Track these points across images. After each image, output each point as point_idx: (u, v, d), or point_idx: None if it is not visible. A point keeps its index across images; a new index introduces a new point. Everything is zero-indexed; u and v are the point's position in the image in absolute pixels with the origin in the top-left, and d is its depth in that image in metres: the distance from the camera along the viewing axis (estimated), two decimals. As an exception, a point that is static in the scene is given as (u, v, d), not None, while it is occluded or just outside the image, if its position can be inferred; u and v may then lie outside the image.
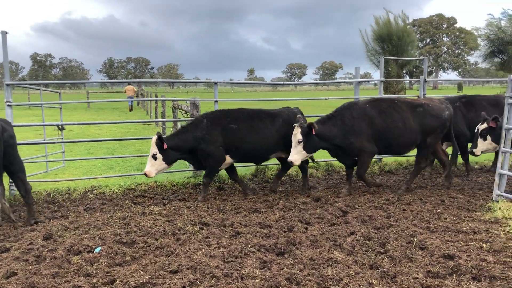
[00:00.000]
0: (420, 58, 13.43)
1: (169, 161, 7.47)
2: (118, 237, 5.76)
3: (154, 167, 7.36)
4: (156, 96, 25.22)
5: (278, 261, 4.97)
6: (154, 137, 7.29)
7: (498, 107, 9.03)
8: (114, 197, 8.00)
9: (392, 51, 17.49)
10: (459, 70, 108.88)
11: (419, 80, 10.54)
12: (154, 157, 7.31)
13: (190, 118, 9.08)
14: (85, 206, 7.41)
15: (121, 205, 7.44)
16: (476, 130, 7.82)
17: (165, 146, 7.28)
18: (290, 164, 7.53)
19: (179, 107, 11.67)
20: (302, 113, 8.17)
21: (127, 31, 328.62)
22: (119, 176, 9.28)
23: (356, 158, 7.79)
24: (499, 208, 6.60)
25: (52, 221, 6.62)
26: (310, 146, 7.35)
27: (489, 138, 7.65)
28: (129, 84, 36.33)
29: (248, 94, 68.24)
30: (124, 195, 8.14)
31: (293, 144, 7.30)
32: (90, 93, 47.38)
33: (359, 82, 10.08)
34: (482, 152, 7.82)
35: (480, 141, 7.71)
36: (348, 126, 7.50)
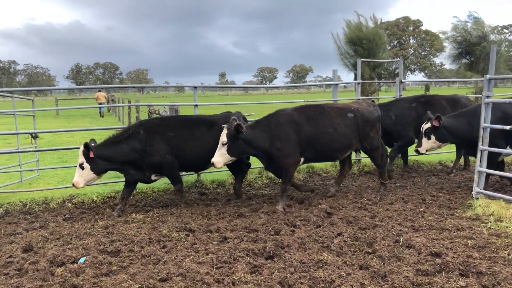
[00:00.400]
0: (396, 60, 13.68)
1: (97, 171, 7.04)
2: (102, 246, 5.61)
3: (82, 177, 6.93)
4: (129, 102, 24.82)
5: (268, 265, 4.94)
6: (81, 146, 6.98)
7: (457, 106, 9.26)
8: (94, 205, 7.81)
9: (364, 53, 17.77)
10: (426, 71, 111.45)
11: (395, 82, 10.72)
12: (81, 166, 6.92)
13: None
14: (64, 215, 7.20)
15: (102, 214, 7.26)
16: (421, 129, 8.03)
17: (92, 155, 6.92)
18: (212, 165, 7.18)
19: (156, 112, 11.52)
20: (244, 118, 8.07)
21: (93, 36, 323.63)
22: (96, 184, 9.06)
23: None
24: (479, 205, 6.75)
25: (30, 232, 6.40)
26: (234, 149, 7.01)
27: (433, 137, 7.87)
28: (99, 91, 35.71)
29: (220, 98, 68.08)
30: (104, 203, 7.96)
31: (218, 145, 7.01)
32: (59, 99, 46.27)
33: (337, 84, 10.18)
34: (426, 150, 8.02)
35: (424, 140, 7.93)
36: (275, 132, 7.16)
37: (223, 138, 6.94)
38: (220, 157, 6.98)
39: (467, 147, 8.12)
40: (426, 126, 7.90)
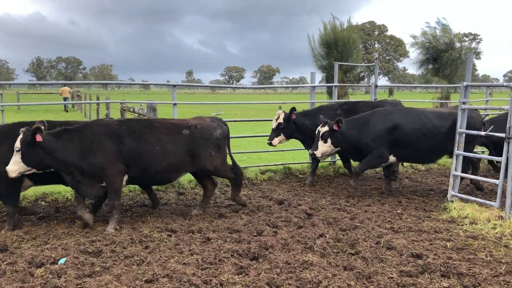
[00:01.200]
0: (371, 64, 13.94)
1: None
2: (83, 246, 5.47)
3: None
4: (98, 98, 24.25)
5: (254, 266, 4.95)
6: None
7: None
8: (69, 204, 7.59)
9: (337, 56, 18.05)
10: (389, 75, 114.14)
11: (370, 86, 10.92)
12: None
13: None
14: (38, 214, 6.96)
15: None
16: (317, 133, 8.04)
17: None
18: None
19: (130, 109, 11.31)
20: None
21: (55, 29, 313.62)
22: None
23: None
24: (454, 208, 6.97)
25: (4, 232, 6.16)
26: (30, 158, 5.87)
27: (329, 140, 7.90)
28: (64, 86, 34.91)
29: (185, 97, 67.48)
30: (79, 202, 7.74)
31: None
32: (20, 94, 44.71)
33: (314, 86, 10.29)
34: (322, 154, 8.02)
35: (321, 143, 7.91)
36: (87, 144, 6.15)
37: (17, 143, 5.84)
38: (14, 164, 5.86)
39: (353, 153, 8.24)
40: (322, 129, 7.90)
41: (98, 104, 21.90)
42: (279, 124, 8.89)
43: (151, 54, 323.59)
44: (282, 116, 8.90)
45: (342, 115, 8.91)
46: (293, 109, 8.91)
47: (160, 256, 5.17)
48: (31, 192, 7.98)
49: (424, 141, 7.58)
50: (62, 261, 5.06)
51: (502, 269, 4.84)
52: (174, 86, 9.00)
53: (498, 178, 6.67)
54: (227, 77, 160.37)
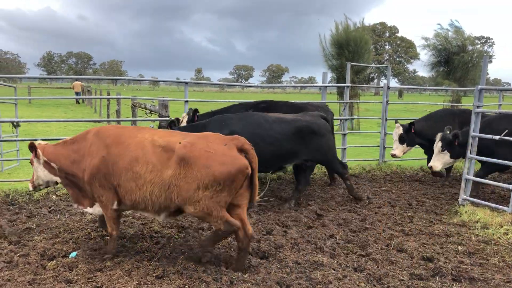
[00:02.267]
0: (384, 65, 13.88)
1: None
2: (94, 240, 5.50)
3: None
4: (108, 94, 24.38)
5: (264, 264, 4.95)
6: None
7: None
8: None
9: (349, 56, 17.98)
10: (399, 77, 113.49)
11: (382, 87, 10.87)
12: None
13: (160, 118, 8.81)
14: (49, 208, 7.01)
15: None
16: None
17: None
18: None
19: (142, 106, 11.33)
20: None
21: (64, 24, 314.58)
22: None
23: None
24: (465, 212, 6.92)
25: (16, 224, 6.21)
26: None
27: None
28: (77, 80, 35.60)
29: (195, 94, 67.47)
30: (90, 196, 7.78)
31: None
32: (32, 88, 45.02)
33: (326, 86, 10.26)
34: None
35: None
36: None
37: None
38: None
39: None
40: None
41: (108, 99, 22.01)
42: None
43: (160, 50, 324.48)
44: (185, 119, 7.93)
45: None
46: (196, 111, 7.98)
47: (171, 252, 5.19)
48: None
49: (264, 147, 6.79)
50: (73, 254, 5.10)
51: (515, 275, 4.80)
52: (187, 83, 9.01)
53: (510, 183, 6.61)
54: (236, 76, 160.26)
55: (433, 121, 9.25)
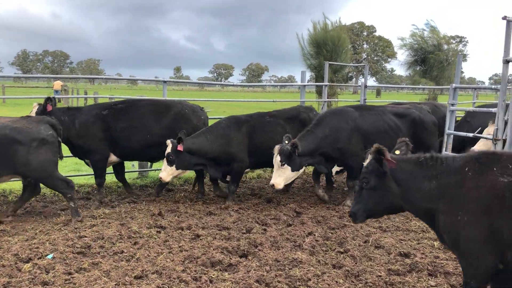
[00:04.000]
0: (361, 64, 14.04)
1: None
2: (71, 242, 5.43)
3: None
4: (85, 93, 24.07)
5: (243, 263, 4.96)
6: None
7: (161, 113, 7.64)
8: (56, 199, 7.52)
9: (327, 55, 18.14)
10: (377, 76, 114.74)
11: (359, 86, 11.00)
12: None
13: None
14: (25, 209, 6.88)
15: (66, 208, 6.99)
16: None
17: None
18: None
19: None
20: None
21: (38, 22, 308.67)
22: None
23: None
24: (441, 208, 7.04)
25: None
26: None
27: None
28: (55, 80, 36.29)
29: (174, 93, 67.00)
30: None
31: None
32: (6, 87, 44.07)
33: (305, 85, 10.33)
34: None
35: None
36: None
37: None
38: None
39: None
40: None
41: (85, 98, 21.73)
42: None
43: (137, 49, 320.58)
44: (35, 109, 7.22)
45: (109, 116, 7.37)
46: (49, 99, 7.12)
47: (150, 253, 5.16)
48: (18, 186, 7.90)
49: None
50: (49, 256, 5.02)
51: (488, 268, 4.92)
52: (165, 82, 8.97)
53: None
54: (215, 75, 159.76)
55: None
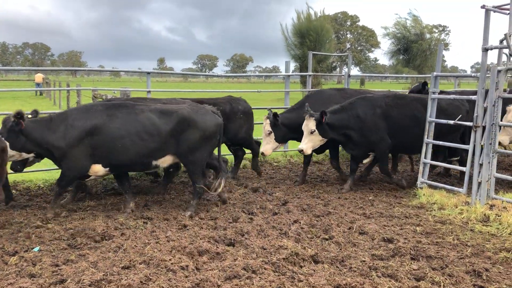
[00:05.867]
0: (345, 54, 14.10)
1: None
2: (57, 234, 5.43)
3: None
4: (68, 85, 23.75)
5: (230, 251, 5.02)
6: None
7: None
8: (41, 192, 7.49)
9: (310, 46, 18.18)
10: (361, 66, 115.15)
11: (343, 75, 11.07)
12: None
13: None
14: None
15: (50, 201, 6.97)
16: None
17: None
18: None
19: (102, 97, 11.12)
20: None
21: (13, 13, 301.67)
22: (41, 170, 8.63)
23: None
24: (423, 194, 7.21)
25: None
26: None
27: None
28: (36, 72, 35.91)
29: (158, 85, 66.47)
30: (52, 190, 7.62)
31: None
32: (-15, 80, 43.41)
33: (289, 76, 10.38)
34: None
35: None
36: None
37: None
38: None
39: None
40: None
41: (68, 91, 21.47)
42: None
43: (119, 41, 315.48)
44: None
45: None
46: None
47: (137, 243, 5.19)
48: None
49: None
50: (36, 249, 5.02)
51: (468, 251, 5.07)
52: (149, 73, 8.94)
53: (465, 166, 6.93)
54: (199, 66, 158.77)
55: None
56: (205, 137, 6.38)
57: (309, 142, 7.45)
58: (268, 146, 8.02)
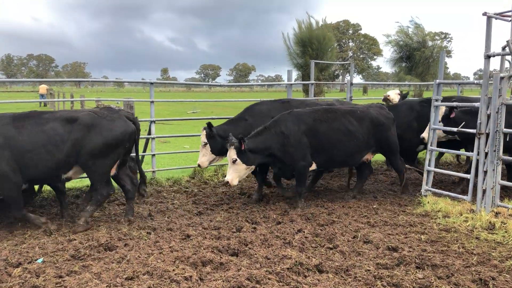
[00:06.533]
0: (347, 62, 14.14)
1: None
2: (61, 245, 5.43)
3: None
4: (72, 96, 23.92)
5: (234, 261, 5.00)
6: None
7: None
8: (45, 203, 7.49)
9: (312, 54, 18.23)
10: (363, 74, 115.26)
11: (346, 84, 11.09)
12: None
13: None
14: (13, 214, 6.83)
15: (55, 212, 6.97)
16: None
17: None
18: None
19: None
20: None
21: (17, 26, 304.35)
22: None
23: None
24: (428, 202, 7.17)
25: (-22, 231, 6.04)
26: None
27: None
28: (40, 84, 36.51)
29: (162, 95, 66.80)
30: (55, 201, 7.63)
31: None
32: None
33: (291, 84, 10.40)
34: None
35: None
36: None
37: None
38: None
39: None
40: None
41: (72, 102, 21.59)
42: None
43: (122, 51, 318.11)
44: None
45: None
46: None
47: (140, 254, 5.17)
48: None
49: None
50: (39, 260, 5.01)
51: (474, 260, 5.03)
52: (152, 83, 8.97)
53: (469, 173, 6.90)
54: (202, 75, 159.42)
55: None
56: (108, 144, 6.11)
57: (234, 172, 6.90)
58: (204, 158, 7.63)
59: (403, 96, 10.45)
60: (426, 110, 7.90)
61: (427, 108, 7.92)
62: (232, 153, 6.84)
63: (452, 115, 7.32)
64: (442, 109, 7.49)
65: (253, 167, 7.16)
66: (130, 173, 6.81)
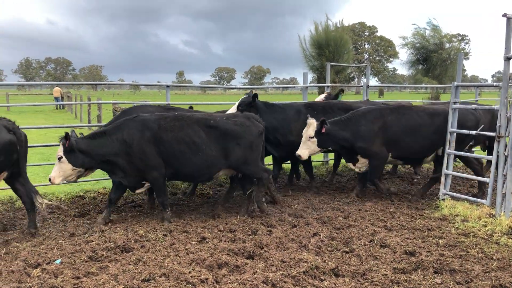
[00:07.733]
0: (363, 64, 14.08)
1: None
2: (78, 246, 5.49)
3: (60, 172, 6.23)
4: (89, 99, 24.18)
5: (250, 264, 4.99)
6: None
7: None
8: (63, 205, 7.58)
9: (329, 56, 18.17)
10: (379, 76, 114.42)
11: (362, 86, 11.02)
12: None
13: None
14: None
15: (71, 214, 7.06)
16: None
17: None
18: None
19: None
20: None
21: (34, 29, 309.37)
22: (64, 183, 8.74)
23: None
24: (446, 206, 7.07)
25: (-2, 232, 6.15)
26: None
27: None
28: (57, 86, 36.56)
29: (177, 97, 67.13)
30: (73, 202, 7.74)
31: None
32: (10, 95, 44.24)
33: (307, 87, 10.37)
34: None
35: None
36: None
37: None
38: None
39: None
40: None
41: (89, 104, 21.85)
42: None
43: (137, 54, 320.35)
44: None
45: None
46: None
47: (156, 256, 5.20)
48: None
49: None
50: (58, 261, 5.07)
51: (494, 265, 4.94)
52: (168, 86, 9.04)
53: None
54: (217, 78, 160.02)
55: None
56: None
57: (58, 170, 6.30)
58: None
59: (332, 98, 9.93)
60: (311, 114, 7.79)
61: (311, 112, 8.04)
62: (59, 150, 6.28)
63: (323, 130, 7.44)
64: (314, 125, 7.49)
65: (91, 170, 6.61)
66: (28, 184, 6.35)
